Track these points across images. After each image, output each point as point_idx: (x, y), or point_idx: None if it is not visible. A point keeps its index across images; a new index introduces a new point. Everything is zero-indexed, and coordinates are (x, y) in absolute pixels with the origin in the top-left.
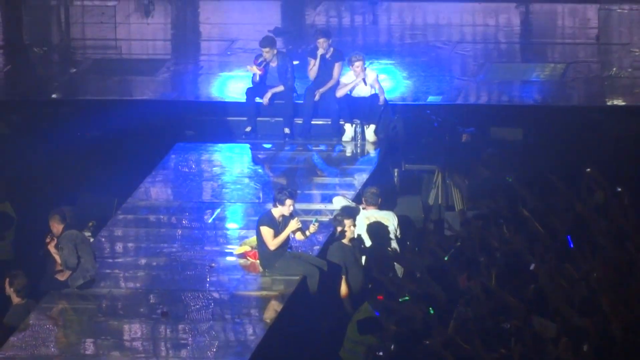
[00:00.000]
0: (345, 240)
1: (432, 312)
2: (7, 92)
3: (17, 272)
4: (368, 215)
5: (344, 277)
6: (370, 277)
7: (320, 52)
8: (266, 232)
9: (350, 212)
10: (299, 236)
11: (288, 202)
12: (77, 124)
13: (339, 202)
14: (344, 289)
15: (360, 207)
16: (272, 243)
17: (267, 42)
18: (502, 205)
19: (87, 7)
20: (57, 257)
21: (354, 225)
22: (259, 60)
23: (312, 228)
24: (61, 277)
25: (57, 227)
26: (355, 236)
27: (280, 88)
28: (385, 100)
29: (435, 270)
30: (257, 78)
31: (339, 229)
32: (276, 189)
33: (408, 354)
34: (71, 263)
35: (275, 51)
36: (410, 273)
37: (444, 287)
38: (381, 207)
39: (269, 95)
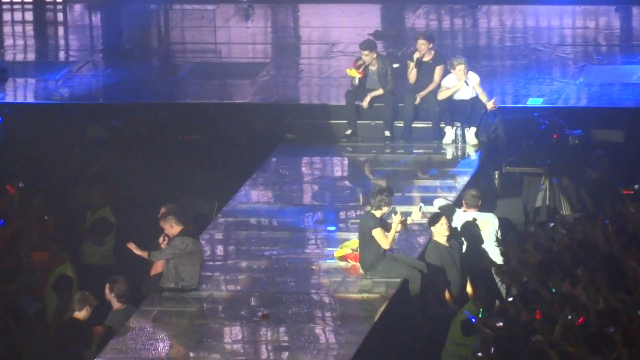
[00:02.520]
0: (441, 241)
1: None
2: (107, 97)
3: (118, 277)
4: (468, 217)
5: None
6: (470, 279)
7: (416, 55)
8: (380, 233)
9: (444, 212)
10: (400, 227)
11: (385, 209)
12: (178, 128)
13: (439, 204)
14: (447, 294)
15: (461, 209)
16: (386, 242)
17: (367, 45)
18: (609, 208)
19: (187, 11)
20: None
21: (449, 224)
22: (359, 63)
23: (415, 215)
24: (152, 271)
25: (174, 228)
26: (451, 235)
27: (380, 91)
28: (496, 105)
29: (539, 273)
30: (357, 81)
31: (433, 229)
32: (371, 194)
33: (509, 357)
34: (154, 256)
35: (375, 54)
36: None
37: (547, 290)
38: (481, 209)
39: (368, 98)
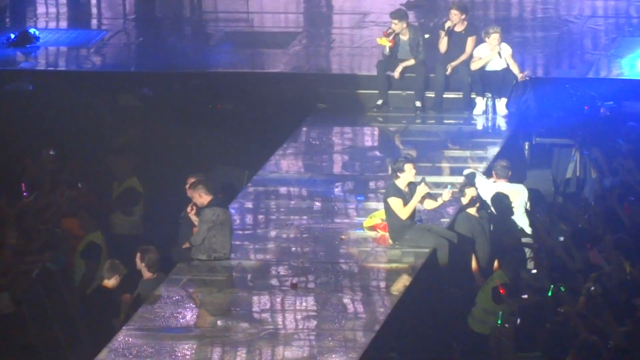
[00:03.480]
0: (471, 211)
1: (563, 289)
2: (139, 65)
3: (149, 247)
4: (498, 188)
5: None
6: (499, 249)
7: (448, 24)
8: (395, 202)
9: (473, 182)
10: (430, 205)
11: (407, 167)
12: (209, 97)
13: (467, 173)
14: (473, 260)
15: (491, 180)
16: (404, 213)
17: (397, 14)
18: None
19: None
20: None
21: (478, 194)
22: (388, 32)
23: (447, 195)
24: (184, 245)
25: (203, 197)
26: (481, 205)
27: (412, 61)
28: (528, 77)
29: (565, 244)
30: (388, 50)
31: (463, 199)
32: (392, 162)
33: (536, 326)
34: (195, 241)
35: (405, 24)
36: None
37: (572, 260)
38: (511, 179)
39: (399, 68)
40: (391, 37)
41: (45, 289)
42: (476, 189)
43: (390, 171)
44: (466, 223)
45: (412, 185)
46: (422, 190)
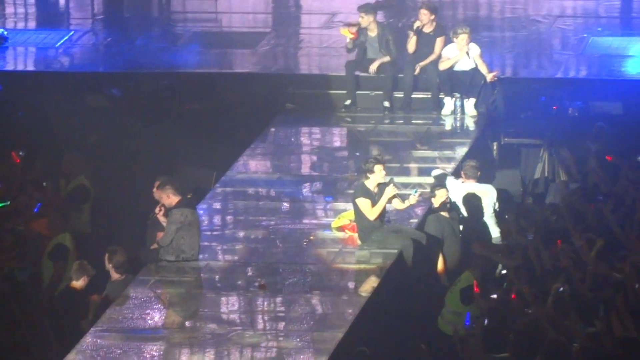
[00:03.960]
0: (442, 212)
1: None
2: (108, 65)
3: (117, 248)
4: (467, 188)
5: (440, 251)
6: (468, 250)
7: (416, 24)
8: (363, 203)
9: (443, 183)
10: (398, 205)
11: (377, 168)
12: (177, 97)
13: (436, 174)
14: (440, 261)
15: (460, 180)
16: (371, 213)
17: (364, 7)
18: (604, 181)
19: None
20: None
21: (448, 196)
22: (353, 24)
23: (413, 199)
24: (152, 246)
25: (171, 198)
26: (451, 206)
27: (387, 58)
28: (496, 77)
29: (534, 245)
30: (351, 44)
31: (434, 200)
32: (362, 161)
33: (504, 327)
34: (163, 242)
35: (372, 18)
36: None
37: (540, 261)
38: (480, 180)
39: (376, 64)
40: (354, 30)
41: (12, 291)
42: (447, 190)
43: (359, 171)
44: (436, 224)
45: (381, 186)
46: (390, 191)
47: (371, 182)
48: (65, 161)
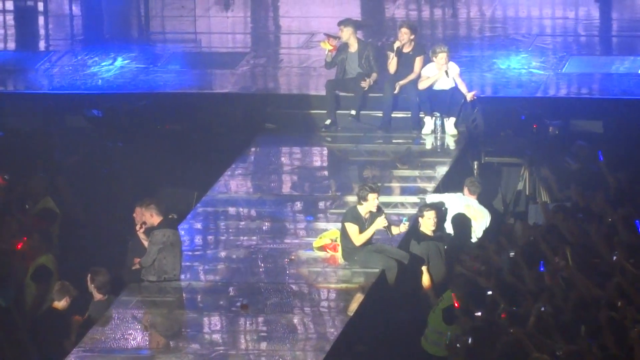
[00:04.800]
0: (427, 232)
1: (515, 308)
2: (87, 86)
3: (99, 268)
4: (468, 202)
5: (425, 268)
6: (452, 270)
7: (396, 44)
8: (351, 228)
9: (433, 205)
10: (388, 232)
11: (371, 197)
12: (157, 117)
13: (432, 200)
14: (426, 280)
15: (459, 194)
16: (358, 239)
17: (345, 21)
18: (585, 199)
19: (167, 0)
20: (145, 244)
21: (437, 219)
22: (333, 36)
23: (403, 227)
24: (133, 266)
25: (154, 218)
26: (438, 227)
27: (374, 76)
28: (476, 96)
29: (513, 265)
30: (329, 57)
31: (421, 220)
32: (358, 186)
33: (486, 347)
34: (145, 262)
35: (351, 31)
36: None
37: (522, 281)
38: (479, 199)
39: (369, 82)
40: (334, 43)
41: None
42: (435, 211)
43: (341, 190)
44: (421, 245)
45: (373, 215)
46: (380, 222)
47: (363, 209)
48: (32, 182)
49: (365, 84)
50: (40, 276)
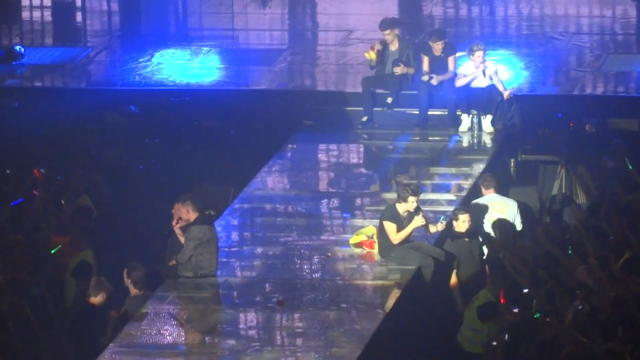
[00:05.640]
0: (461, 236)
1: (537, 316)
2: (125, 82)
3: (135, 264)
4: (490, 200)
5: (455, 270)
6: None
7: (437, 54)
8: (389, 227)
9: (468, 207)
10: (425, 230)
11: (411, 199)
12: (195, 114)
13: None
14: (454, 280)
15: (480, 197)
16: (395, 238)
17: (386, 24)
18: (621, 196)
19: None
20: (182, 240)
21: (470, 222)
22: (377, 47)
23: (440, 226)
24: (170, 262)
25: (190, 214)
26: (473, 232)
27: (411, 70)
28: (512, 95)
29: (550, 261)
30: (374, 63)
31: (455, 223)
32: (400, 186)
33: (523, 344)
34: (182, 259)
35: (396, 32)
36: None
37: (560, 279)
38: (499, 193)
39: (402, 68)
40: (379, 52)
41: (31, 306)
42: (469, 214)
43: (380, 186)
44: (453, 245)
45: (411, 214)
46: (418, 221)
47: (401, 207)
48: (70, 178)
49: (398, 70)
50: (81, 272)
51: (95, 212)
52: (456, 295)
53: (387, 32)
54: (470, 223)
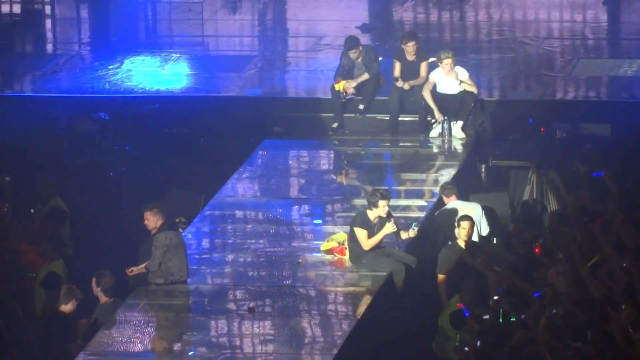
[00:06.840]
0: (461, 242)
1: (513, 319)
2: (95, 89)
3: (105, 271)
4: (454, 206)
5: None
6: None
7: (410, 58)
8: (360, 233)
9: (468, 216)
10: (397, 237)
11: (381, 203)
12: (165, 121)
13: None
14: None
15: (444, 202)
16: (366, 244)
17: (351, 43)
18: (592, 202)
19: (174, 3)
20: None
21: (471, 231)
22: (345, 84)
23: (412, 232)
24: (138, 271)
25: (155, 221)
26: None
27: (366, 76)
28: (477, 98)
29: (520, 265)
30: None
31: (457, 230)
32: (369, 191)
33: (495, 350)
34: (151, 267)
35: (360, 48)
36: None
37: (532, 282)
38: (462, 199)
39: (353, 83)
40: (346, 85)
41: (1, 314)
42: (469, 221)
43: (348, 194)
44: (454, 254)
45: (382, 220)
46: (389, 228)
47: (372, 214)
48: (39, 183)
49: (350, 89)
50: (51, 282)
51: (69, 214)
52: (441, 292)
53: (353, 51)
54: (471, 230)
